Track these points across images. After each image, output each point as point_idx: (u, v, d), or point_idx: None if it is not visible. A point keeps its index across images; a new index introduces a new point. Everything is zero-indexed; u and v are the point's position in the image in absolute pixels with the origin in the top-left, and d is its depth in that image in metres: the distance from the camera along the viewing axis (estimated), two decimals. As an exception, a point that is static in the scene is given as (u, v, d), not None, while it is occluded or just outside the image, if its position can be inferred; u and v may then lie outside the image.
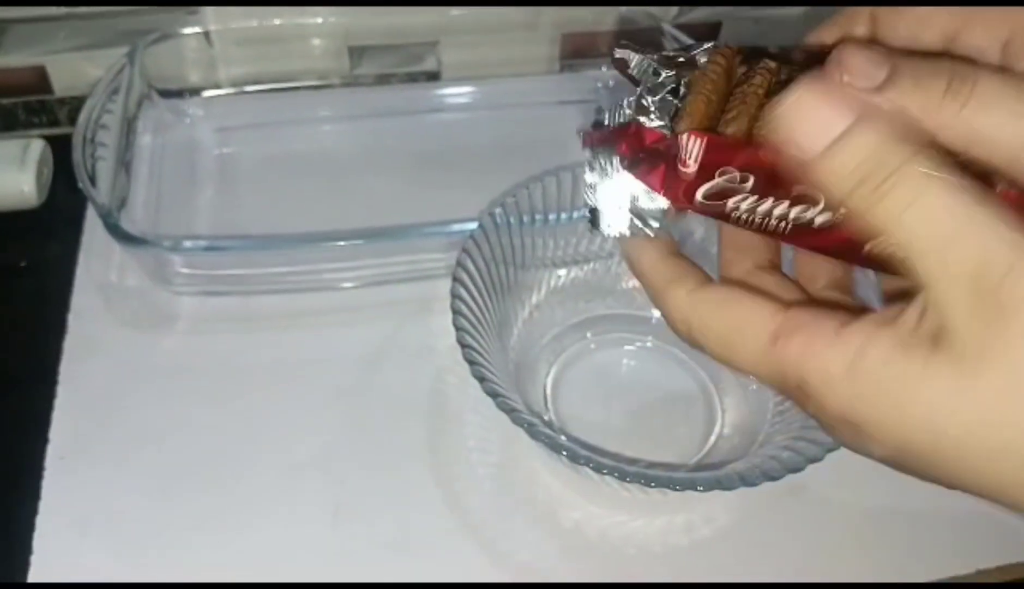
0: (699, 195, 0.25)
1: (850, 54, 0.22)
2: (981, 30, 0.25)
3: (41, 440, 0.42)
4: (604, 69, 0.63)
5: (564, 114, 0.62)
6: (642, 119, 0.26)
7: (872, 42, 0.27)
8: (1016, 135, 0.21)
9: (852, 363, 0.22)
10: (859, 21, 0.28)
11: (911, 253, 0.21)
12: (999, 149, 0.21)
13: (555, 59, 0.62)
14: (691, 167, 0.25)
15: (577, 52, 0.62)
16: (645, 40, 0.61)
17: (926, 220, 0.20)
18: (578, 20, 0.61)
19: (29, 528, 0.39)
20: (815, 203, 0.24)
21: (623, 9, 0.60)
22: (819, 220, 0.24)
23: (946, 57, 0.25)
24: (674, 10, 0.62)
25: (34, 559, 0.38)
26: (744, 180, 0.24)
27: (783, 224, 0.25)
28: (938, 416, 0.20)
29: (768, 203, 0.24)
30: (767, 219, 0.25)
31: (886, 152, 0.21)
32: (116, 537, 0.39)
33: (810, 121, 0.22)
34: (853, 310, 0.24)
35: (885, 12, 0.27)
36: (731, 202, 0.25)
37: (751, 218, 0.25)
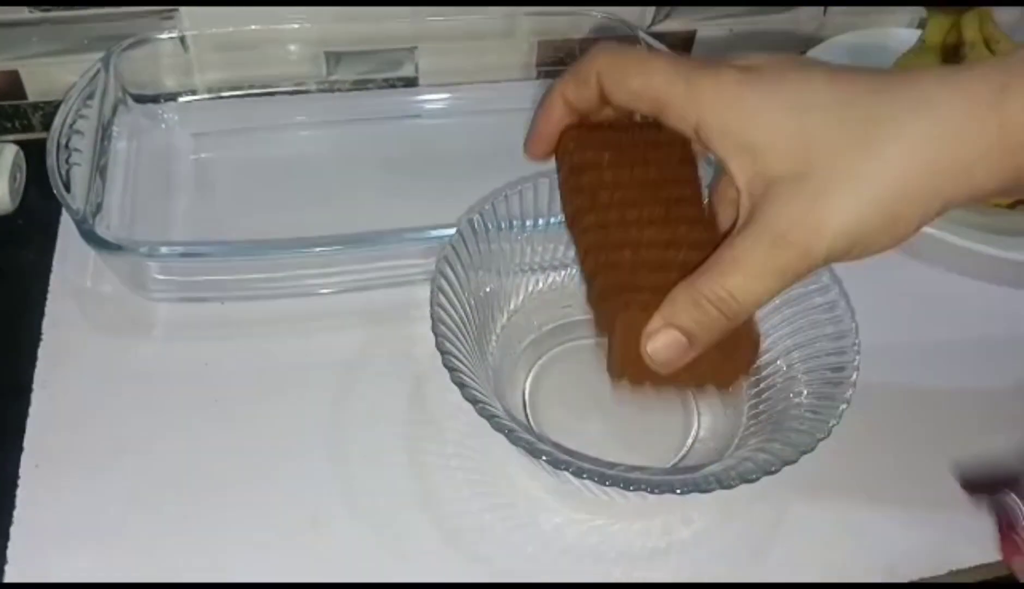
0: None
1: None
2: (674, 116, 0.33)
3: (16, 448, 0.42)
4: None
5: (541, 120, 0.62)
6: None
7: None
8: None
9: None
10: (590, 83, 0.34)
11: None
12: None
13: (532, 66, 0.63)
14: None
15: (554, 59, 0.62)
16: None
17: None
18: (554, 27, 0.61)
19: (3, 538, 0.39)
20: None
21: (599, 16, 0.60)
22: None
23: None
24: (649, 18, 0.62)
25: (8, 568, 0.38)
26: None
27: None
28: None
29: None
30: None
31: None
32: (92, 546, 0.39)
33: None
34: None
35: (610, 81, 0.34)
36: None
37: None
